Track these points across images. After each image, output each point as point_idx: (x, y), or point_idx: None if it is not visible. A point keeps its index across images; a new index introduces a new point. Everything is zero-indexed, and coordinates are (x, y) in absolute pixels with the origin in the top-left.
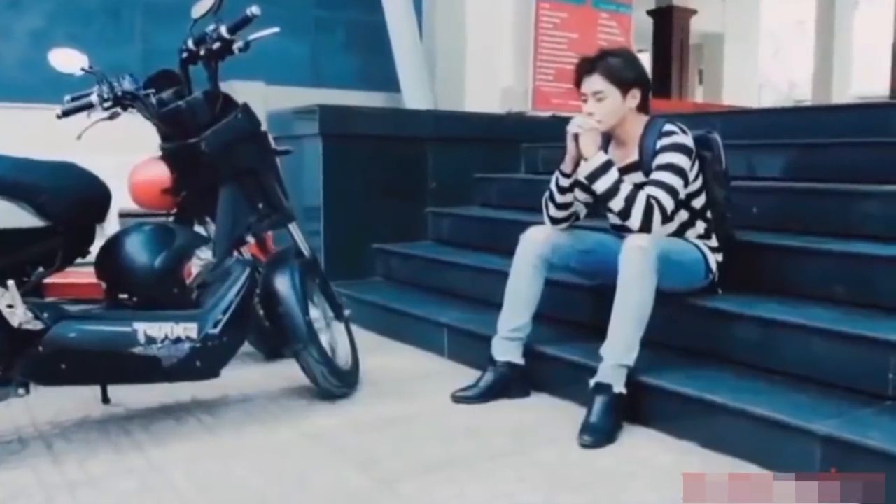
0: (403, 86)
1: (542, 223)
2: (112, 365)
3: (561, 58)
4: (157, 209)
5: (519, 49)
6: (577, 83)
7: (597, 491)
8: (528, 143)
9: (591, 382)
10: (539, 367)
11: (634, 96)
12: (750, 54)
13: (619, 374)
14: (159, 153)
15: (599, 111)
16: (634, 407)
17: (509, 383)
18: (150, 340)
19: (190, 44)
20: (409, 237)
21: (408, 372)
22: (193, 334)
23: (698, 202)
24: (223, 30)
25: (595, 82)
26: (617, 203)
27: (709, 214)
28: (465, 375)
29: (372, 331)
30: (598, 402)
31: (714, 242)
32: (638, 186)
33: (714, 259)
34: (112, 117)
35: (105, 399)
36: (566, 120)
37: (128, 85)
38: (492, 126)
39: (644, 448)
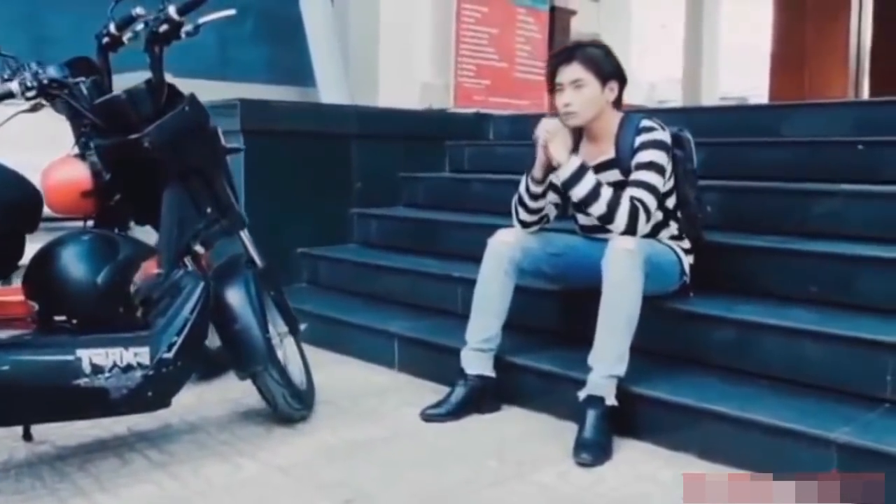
0: (320, 80)
1: (497, 225)
2: (52, 401)
3: (482, 53)
4: (75, 214)
5: (438, 43)
6: (551, 75)
7: None
8: (452, 140)
9: (582, 395)
10: (508, 378)
11: (612, 89)
12: (622, 55)
13: (611, 386)
14: (74, 151)
15: (577, 100)
16: (622, 418)
17: (481, 397)
18: (97, 370)
19: (112, 28)
20: (333, 240)
21: (360, 388)
22: (145, 360)
23: (671, 202)
24: (172, 10)
25: (574, 70)
26: (598, 208)
27: (679, 214)
28: (422, 389)
29: (305, 342)
30: (591, 416)
31: (686, 244)
32: (615, 185)
33: (687, 261)
34: (34, 109)
35: (27, 436)
36: (488, 118)
37: (53, 72)
38: (415, 123)
39: (644, 463)
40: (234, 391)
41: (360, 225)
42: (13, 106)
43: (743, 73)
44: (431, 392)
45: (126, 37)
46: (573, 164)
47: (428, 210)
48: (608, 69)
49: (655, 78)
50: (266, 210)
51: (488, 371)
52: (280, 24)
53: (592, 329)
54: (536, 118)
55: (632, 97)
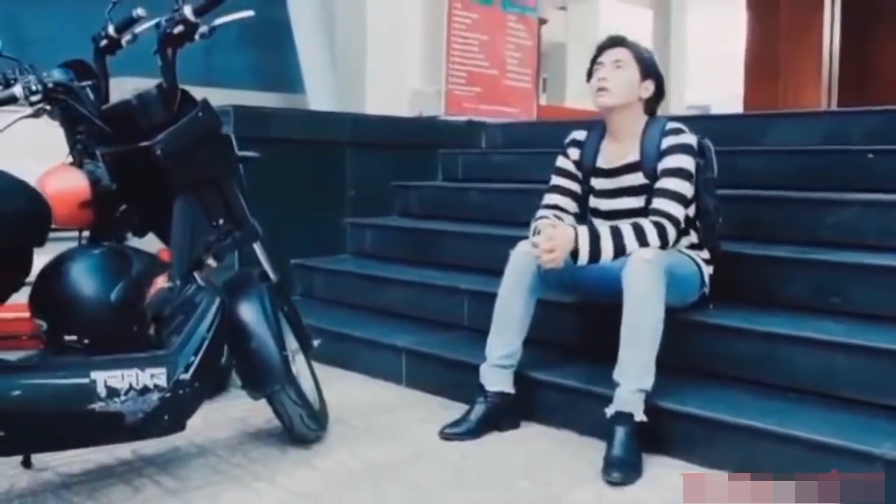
0: (309, 86)
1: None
2: (64, 427)
3: (473, 60)
4: (73, 226)
5: (429, 50)
6: (593, 59)
7: None
8: (445, 148)
9: (609, 411)
10: (527, 393)
11: (648, 88)
12: (588, 64)
13: (638, 400)
14: (69, 159)
15: (613, 78)
16: (650, 434)
17: (500, 415)
18: (113, 393)
19: (110, 30)
20: (325, 250)
21: (369, 405)
22: (162, 382)
23: (691, 210)
24: (188, 11)
25: (618, 52)
26: (630, 245)
27: (698, 224)
28: (433, 405)
29: None
30: (620, 432)
31: (706, 254)
32: (639, 189)
33: (707, 272)
34: (37, 115)
35: (27, 463)
36: (481, 126)
37: (58, 76)
38: (408, 131)
39: (680, 481)
40: (238, 410)
41: (353, 235)
42: (9, 112)
43: (709, 83)
44: (442, 408)
45: (125, 39)
46: (583, 241)
47: (423, 220)
48: (651, 67)
49: None
50: (258, 219)
51: (508, 388)
52: (267, 28)
53: (613, 343)
54: (529, 127)
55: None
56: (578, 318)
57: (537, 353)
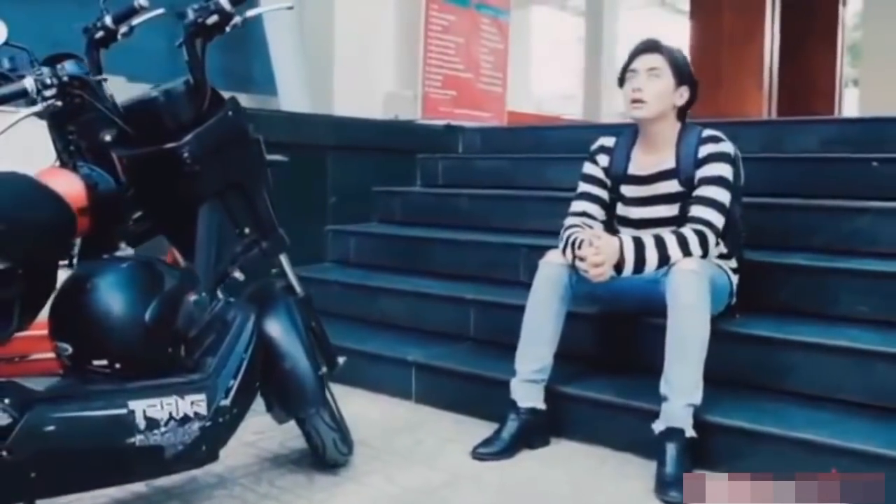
0: (281, 86)
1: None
2: (100, 465)
3: (448, 63)
4: None
5: (404, 52)
6: (626, 65)
7: None
8: (422, 153)
9: (658, 427)
10: (557, 409)
11: (682, 95)
12: (520, 71)
13: (688, 415)
14: (57, 162)
15: (649, 89)
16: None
17: (532, 432)
18: (152, 424)
19: (107, 20)
20: (305, 258)
21: (384, 423)
22: (203, 409)
23: None
24: (224, 0)
25: (654, 59)
26: (674, 255)
27: (725, 233)
28: (452, 422)
29: None
30: (671, 449)
31: (734, 263)
32: (673, 196)
33: (734, 281)
34: (45, 112)
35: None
36: (458, 130)
37: (72, 68)
38: (387, 135)
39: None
40: (247, 434)
41: (335, 242)
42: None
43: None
44: (462, 425)
45: (122, 31)
46: (628, 251)
47: (406, 226)
48: (686, 73)
49: (551, 92)
50: None
51: (540, 403)
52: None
53: (643, 354)
54: (507, 132)
55: (524, 108)
56: (604, 329)
57: (564, 367)
